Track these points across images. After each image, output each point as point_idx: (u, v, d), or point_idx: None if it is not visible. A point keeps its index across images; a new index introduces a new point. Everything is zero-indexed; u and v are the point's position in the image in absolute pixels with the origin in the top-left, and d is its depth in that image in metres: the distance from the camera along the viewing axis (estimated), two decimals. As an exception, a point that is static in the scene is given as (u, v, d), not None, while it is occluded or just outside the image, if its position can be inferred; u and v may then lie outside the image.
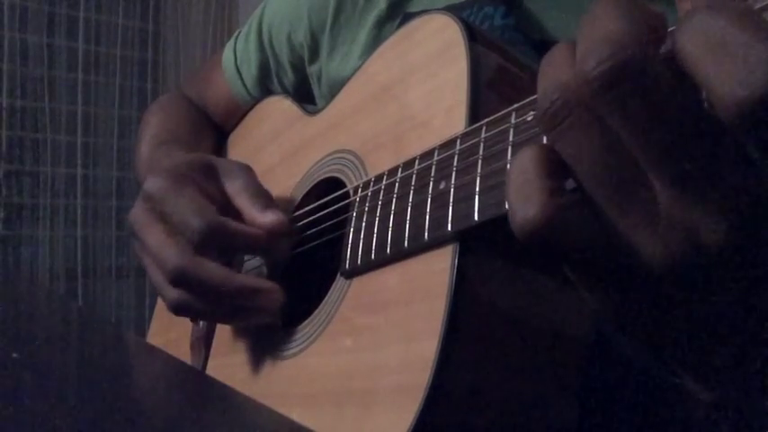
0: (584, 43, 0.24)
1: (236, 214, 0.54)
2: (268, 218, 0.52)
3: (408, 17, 0.60)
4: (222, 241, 0.50)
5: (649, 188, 0.25)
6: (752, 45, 0.21)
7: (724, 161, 0.23)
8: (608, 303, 0.28)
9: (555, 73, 0.26)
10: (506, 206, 0.31)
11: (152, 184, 0.52)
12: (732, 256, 0.24)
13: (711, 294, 0.26)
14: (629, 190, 0.25)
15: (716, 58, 0.21)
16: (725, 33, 0.21)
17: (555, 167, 0.26)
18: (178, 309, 0.51)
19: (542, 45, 0.52)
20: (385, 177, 0.44)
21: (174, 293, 0.51)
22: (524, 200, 0.26)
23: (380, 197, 0.44)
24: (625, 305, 0.27)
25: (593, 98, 0.24)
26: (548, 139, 0.27)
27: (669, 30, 0.24)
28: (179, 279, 0.49)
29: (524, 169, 0.27)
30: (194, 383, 0.43)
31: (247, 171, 0.57)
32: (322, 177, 0.55)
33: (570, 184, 0.27)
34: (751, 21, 0.21)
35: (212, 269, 0.49)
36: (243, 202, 0.54)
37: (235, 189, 0.55)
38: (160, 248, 0.50)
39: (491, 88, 0.40)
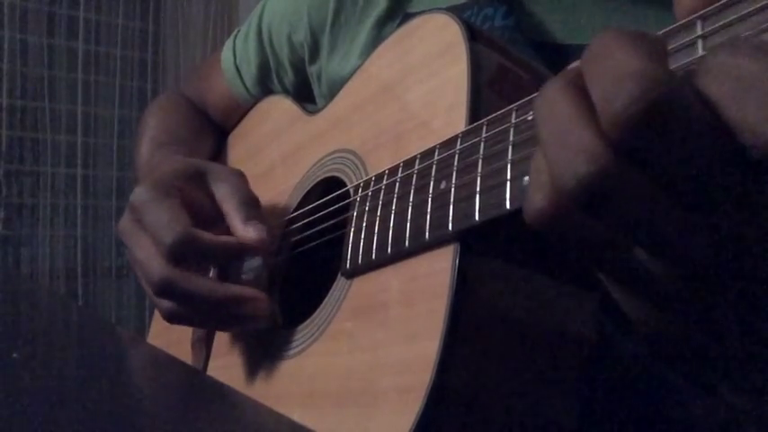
0: (604, 82, 0.22)
1: (222, 220, 0.54)
2: (249, 233, 0.52)
3: (409, 17, 0.60)
4: (194, 253, 0.51)
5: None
6: None
7: (751, 194, 0.22)
8: (635, 301, 0.27)
9: (571, 138, 0.23)
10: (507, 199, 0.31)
11: (137, 195, 0.53)
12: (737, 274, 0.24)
13: (716, 292, 0.26)
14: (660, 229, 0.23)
15: (740, 99, 0.21)
16: (746, 70, 0.20)
17: (593, 107, 0.23)
18: (170, 318, 0.52)
19: (542, 46, 0.52)
20: (385, 177, 0.44)
21: (164, 303, 0.51)
22: (567, 152, 0.23)
23: (381, 197, 0.44)
24: (648, 299, 0.27)
25: (626, 140, 0.21)
26: (568, 208, 0.24)
27: (689, 69, 0.23)
28: (163, 291, 0.50)
29: (558, 110, 0.23)
30: (194, 384, 0.43)
31: (237, 176, 0.57)
32: (322, 177, 0.55)
33: None
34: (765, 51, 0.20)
35: (194, 281, 0.50)
36: (228, 209, 0.54)
37: (221, 195, 0.55)
38: (145, 259, 0.51)
39: (491, 88, 0.40)
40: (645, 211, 0.23)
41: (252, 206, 0.55)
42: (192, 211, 0.52)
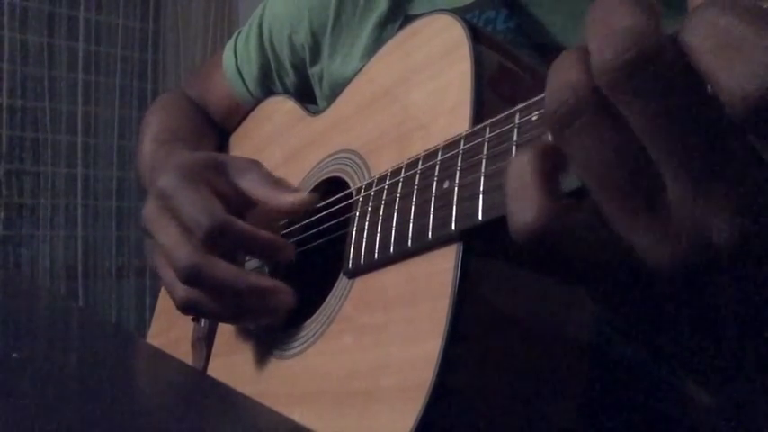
0: (599, 36, 0.24)
1: (245, 213, 0.54)
2: (297, 197, 0.53)
3: (410, 19, 0.60)
4: (229, 240, 0.51)
5: (659, 188, 0.25)
6: (758, 41, 0.21)
7: (734, 159, 0.23)
8: (611, 303, 0.28)
9: (565, 74, 0.25)
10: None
11: (165, 181, 0.52)
12: (741, 255, 0.24)
13: (716, 293, 0.26)
14: (639, 190, 0.25)
15: (722, 54, 0.21)
16: (732, 29, 0.21)
17: (552, 171, 0.27)
18: (187, 307, 0.52)
19: (544, 49, 0.52)
20: (388, 177, 0.44)
21: (184, 291, 0.51)
22: (521, 204, 0.26)
23: (384, 197, 0.44)
24: (628, 305, 0.27)
25: (613, 89, 0.23)
26: (556, 142, 0.26)
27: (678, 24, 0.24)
28: (191, 277, 0.49)
29: (521, 173, 0.27)
30: (194, 383, 0.43)
31: (258, 165, 0.57)
32: (324, 177, 0.55)
33: (567, 185, 0.27)
34: (758, 17, 0.21)
35: (224, 268, 0.49)
36: (264, 192, 0.54)
37: (251, 183, 0.55)
38: (172, 246, 0.51)
39: (494, 89, 0.40)
40: (627, 161, 0.24)
41: (283, 184, 0.55)
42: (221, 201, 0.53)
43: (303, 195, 0.53)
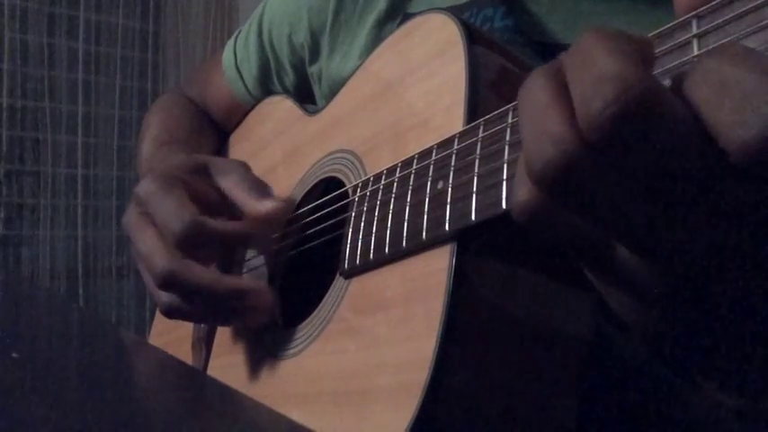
0: (583, 84, 0.22)
1: (232, 212, 0.54)
2: (267, 205, 0.53)
3: (408, 18, 0.60)
4: (204, 241, 0.51)
5: (647, 217, 0.24)
6: (755, 86, 0.20)
7: (738, 188, 0.23)
8: (622, 299, 0.27)
9: (545, 122, 0.24)
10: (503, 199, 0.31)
11: (142, 187, 0.53)
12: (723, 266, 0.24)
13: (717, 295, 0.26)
14: (627, 222, 0.24)
15: (719, 99, 0.21)
16: (728, 75, 0.21)
17: (569, 101, 0.24)
18: (169, 312, 0.52)
19: (542, 47, 0.52)
20: (383, 177, 0.44)
21: (164, 297, 0.51)
22: (545, 136, 0.24)
23: (379, 197, 0.44)
24: (631, 294, 0.27)
25: (603, 141, 0.22)
26: (540, 191, 0.25)
27: (677, 72, 0.24)
28: (167, 282, 0.50)
29: (539, 102, 0.25)
30: (194, 384, 0.43)
31: (242, 166, 0.57)
32: (322, 177, 0.55)
33: None
34: (754, 61, 0.21)
35: (200, 272, 0.49)
36: (239, 195, 0.54)
37: (229, 184, 0.55)
38: (149, 252, 0.51)
39: (489, 87, 0.40)
40: (621, 207, 0.24)
41: (263, 188, 0.55)
42: (198, 203, 0.52)
43: (278, 203, 0.53)
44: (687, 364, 0.29)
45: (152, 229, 0.51)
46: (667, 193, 0.23)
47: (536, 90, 0.25)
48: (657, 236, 0.24)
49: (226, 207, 0.55)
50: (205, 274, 0.49)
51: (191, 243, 0.50)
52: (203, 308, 0.51)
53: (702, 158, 0.22)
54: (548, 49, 0.51)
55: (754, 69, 0.20)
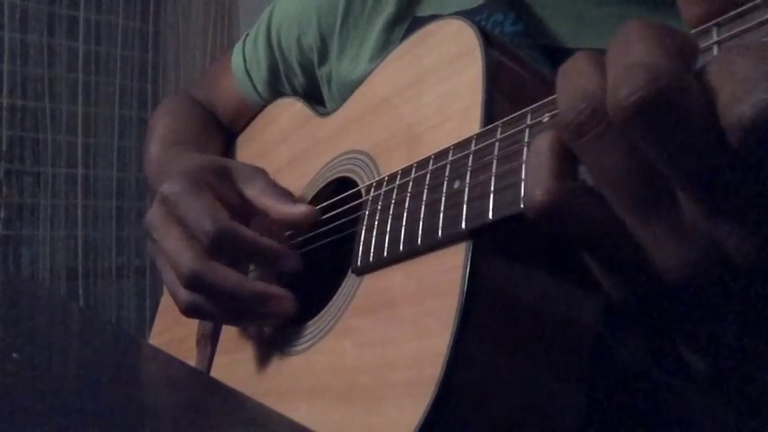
0: (617, 68, 0.24)
1: (248, 219, 0.55)
2: (299, 209, 0.53)
3: (417, 21, 0.60)
4: (233, 247, 0.51)
5: (674, 201, 0.25)
6: (753, 67, 0.21)
7: (748, 180, 0.23)
8: (618, 289, 0.28)
9: (581, 82, 0.25)
10: (521, 199, 0.32)
11: (169, 187, 0.53)
12: (753, 268, 0.25)
13: (724, 299, 0.26)
14: (653, 202, 0.25)
15: (723, 83, 0.22)
16: (736, 62, 0.22)
17: (570, 154, 0.27)
18: (189, 311, 0.52)
19: (551, 52, 0.52)
20: (399, 176, 0.45)
21: (187, 296, 0.51)
22: (535, 181, 0.27)
23: (394, 196, 0.44)
24: (634, 292, 0.28)
25: (625, 123, 0.23)
26: (569, 145, 0.27)
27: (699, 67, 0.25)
28: (193, 282, 0.50)
29: (539, 152, 0.28)
30: (194, 384, 0.43)
31: (264, 173, 0.57)
32: (333, 177, 0.55)
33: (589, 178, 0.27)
34: (757, 49, 0.22)
35: (226, 274, 0.50)
36: (268, 201, 0.54)
37: (256, 191, 0.55)
38: (176, 251, 0.51)
39: (505, 92, 0.41)
40: (632, 171, 0.25)
41: (288, 195, 0.55)
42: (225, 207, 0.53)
43: (306, 208, 0.54)
44: (666, 328, 0.30)
45: (180, 229, 0.52)
46: (687, 175, 0.24)
47: (580, 61, 0.27)
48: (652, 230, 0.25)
49: (245, 213, 0.55)
50: (231, 276, 0.50)
51: (221, 246, 0.50)
52: (224, 309, 0.51)
53: (718, 153, 0.23)
54: (556, 53, 0.51)
55: (753, 54, 0.22)
